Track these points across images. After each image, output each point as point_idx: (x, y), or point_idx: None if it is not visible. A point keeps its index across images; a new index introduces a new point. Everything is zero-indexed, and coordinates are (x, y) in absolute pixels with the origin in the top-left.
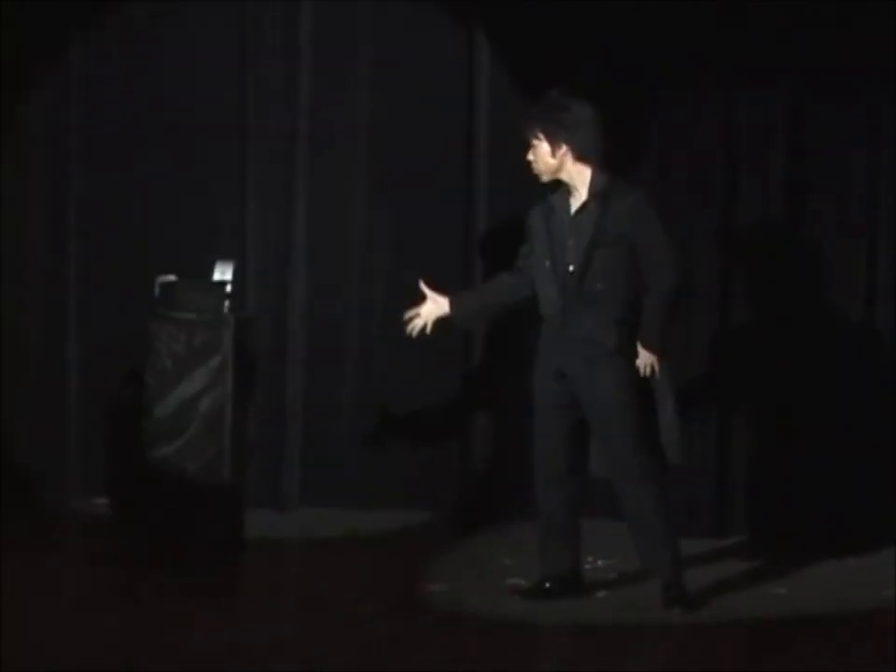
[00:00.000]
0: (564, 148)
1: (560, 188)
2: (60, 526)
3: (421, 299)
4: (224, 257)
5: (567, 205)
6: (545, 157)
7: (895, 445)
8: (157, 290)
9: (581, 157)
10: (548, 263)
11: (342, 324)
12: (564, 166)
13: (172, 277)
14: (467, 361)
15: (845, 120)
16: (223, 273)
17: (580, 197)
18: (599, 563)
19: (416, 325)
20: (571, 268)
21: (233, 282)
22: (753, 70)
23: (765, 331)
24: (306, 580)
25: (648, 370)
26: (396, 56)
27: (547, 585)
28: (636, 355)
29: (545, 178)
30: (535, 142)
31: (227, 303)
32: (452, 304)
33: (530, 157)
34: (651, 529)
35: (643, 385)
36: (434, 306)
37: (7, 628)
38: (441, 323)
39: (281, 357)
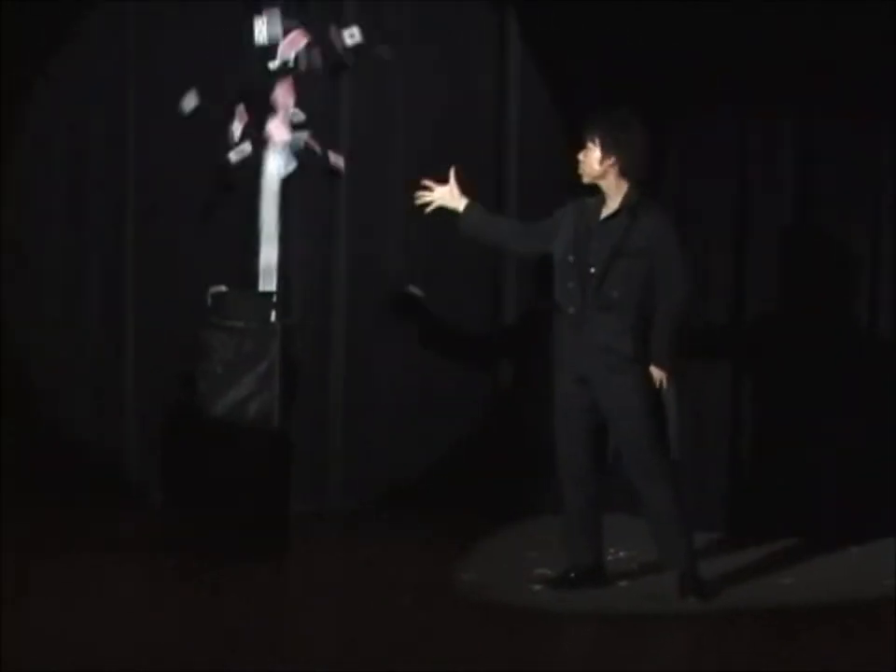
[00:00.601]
0: (612, 160)
1: (598, 194)
2: (120, 522)
3: (443, 181)
4: (269, 271)
5: (599, 211)
6: (593, 162)
7: (892, 445)
8: (209, 301)
9: (624, 172)
10: (571, 258)
11: (379, 332)
12: (607, 175)
13: (223, 288)
14: (496, 366)
15: (849, 137)
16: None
17: (611, 206)
18: (621, 554)
19: (425, 198)
20: (592, 270)
21: (279, 293)
22: (763, 90)
23: (775, 333)
24: (346, 571)
25: (658, 383)
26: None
27: (572, 575)
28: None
29: (586, 180)
30: (589, 145)
31: (274, 313)
32: (466, 207)
33: (581, 157)
34: (668, 524)
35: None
36: (450, 195)
37: (79, 616)
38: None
39: (323, 363)
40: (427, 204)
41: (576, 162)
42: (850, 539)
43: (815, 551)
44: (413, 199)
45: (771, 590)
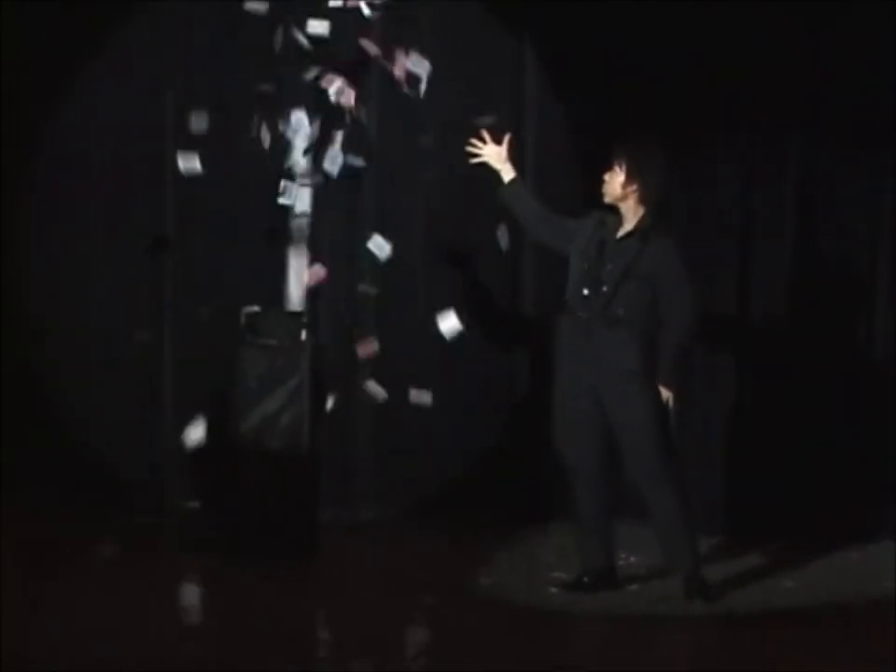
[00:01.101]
0: (634, 186)
1: (615, 212)
2: (158, 526)
3: (498, 141)
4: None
5: (616, 230)
6: (616, 185)
7: (891, 447)
8: (243, 320)
9: (643, 199)
10: (586, 266)
11: (406, 349)
12: (627, 199)
13: (256, 308)
14: (515, 384)
15: (849, 167)
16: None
17: (626, 227)
18: (631, 559)
19: (476, 150)
20: (605, 288)
21: (308, 313)
22: (768, 123)
23: (775, 346)
24: (373, 574)
25: (665, 401)
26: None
27: (585, 579)
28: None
29: (607, 200)
30: (616, 169)
31: (304, 332)
32: (512, 180)
33: (606, 178)
34: (673, 529)
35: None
36: (498, 157)
37: (119, 615)
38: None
39: (350, 377)
40: (475, 155)
41: (600, 182)
42: (849, 543)
43: (814, 554)
44: (431, 222)
45: (773, 593)
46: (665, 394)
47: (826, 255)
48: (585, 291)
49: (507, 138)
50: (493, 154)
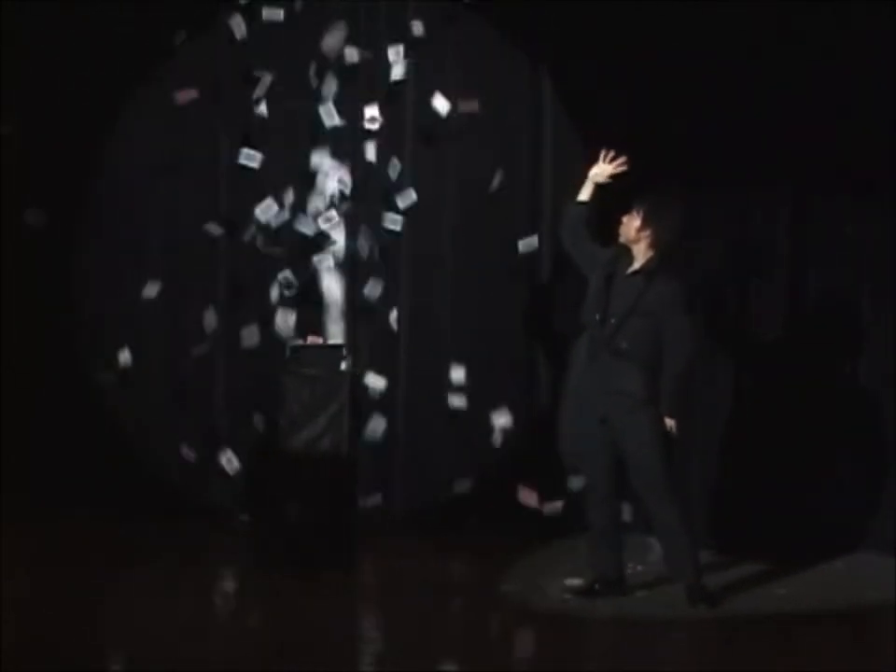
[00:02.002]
0: (647, 232)
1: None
2: (211, 539)
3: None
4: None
5: (627, 266)
6: (631, 228)
7: (880, 464)
8: (288, 352)
9: (653, 244)
10: (598, 295)
11: (438, 377)
12: (639, 242)
13: (300, 341)
14: (534, 407)
15: (837, 210)
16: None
17: (635, 266)
18: (638, 568)
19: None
20: (612, 321)
21: (348, 345)
22: (762, 169)
23: (767, 377)
24: (407, 582)
25: (669, 428)
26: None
27: (596, 586)
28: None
29: (622, 240)
30: (634, 213)
31: (343, 362)
32: (583, 202)
33: (624, 220)
34: (677, 542)
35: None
36: (600, 175)
37: (178, 623)
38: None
39: (387, 403)
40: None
41: (619, 222)
42: (835, 554)
43: (804, 565)
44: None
45: (767, 600)
46: (669, 422)
47: (815, 290)
48: (598, 316)
49: (618, 162)
50: (599, 174)
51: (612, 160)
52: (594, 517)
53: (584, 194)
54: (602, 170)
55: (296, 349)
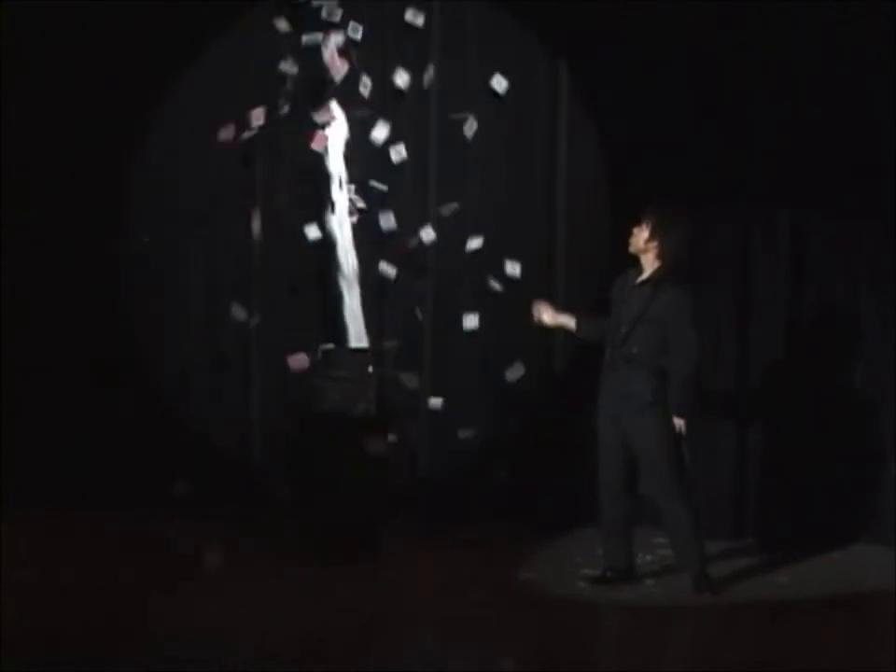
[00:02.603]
0: (655, 243)
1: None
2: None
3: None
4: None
5: (635, 278)
6: (640, 240)
7: (880, 460)
8: (319, 355)
9: (660, 255)
10: (612, 315)
11: (461, 382)
12: (647, 252)
13: (331, 346)
14: (545, 408)
15: (833, 230)
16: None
17: (643, 276)
18: (648, 558)
19: (539, 318)
20: (623, 330)
21: (373, 350)
22: (763, 191)
23: (769, 382)
24: (429, 571)
25: (678, 428)
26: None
27: (608, 574)
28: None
29: (631, 250)
30: (643, 226)
31: (370, 366)
32: (576, 323)
33: (635, 231)
34: (683, 535)
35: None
36: (555, 320)
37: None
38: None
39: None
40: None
41: (629, 233)
42: (833, 545)
43: (804, 555)
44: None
45: (770, 587)
46: (678, 422)
47: (814, 306)
48: (612, 335)
49: (542, 304)
50: (553, 321)
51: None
52: (607, 510)
53: (568, 323)
54: (546, 317)
55: (326, 352)
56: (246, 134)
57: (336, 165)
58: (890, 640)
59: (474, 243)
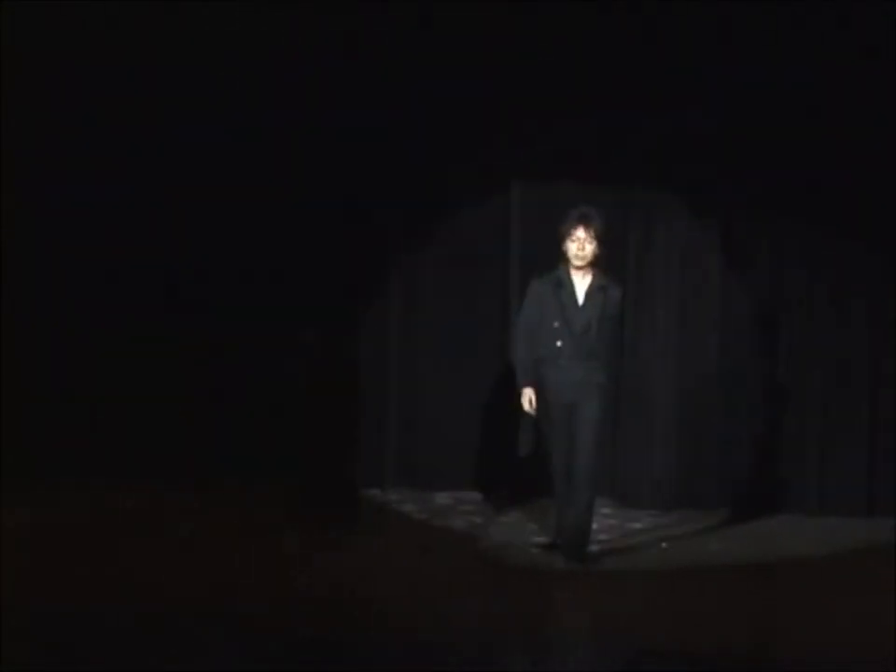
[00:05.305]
0: (598, 252)
1: (563, 266)
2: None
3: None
4: None
5: (573, 283)
6: (594, 251)
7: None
8: None
9: (599, 260)
10: (556, 324)
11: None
12: (593, 261)
13: None
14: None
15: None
16: None
17: (587, 282)
18: (595, 526)
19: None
20: (583, 331)
21: None
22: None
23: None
24: (394, 540)
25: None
26: None
27: (558, 541)
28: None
29: (581, 263)
30: (594, 242)
31: None
32: (531, 383)
33: (589, 247)
34: (583, 509)
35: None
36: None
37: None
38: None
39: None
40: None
41: (582, 248)
42: (763, 514)
43: (736, 523)
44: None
45: (702, 554)
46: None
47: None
48: (559, 343)
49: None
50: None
51: None
52: (558, 486)
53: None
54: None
55: None
56: None
57: None
58: (799, 601)
59: None
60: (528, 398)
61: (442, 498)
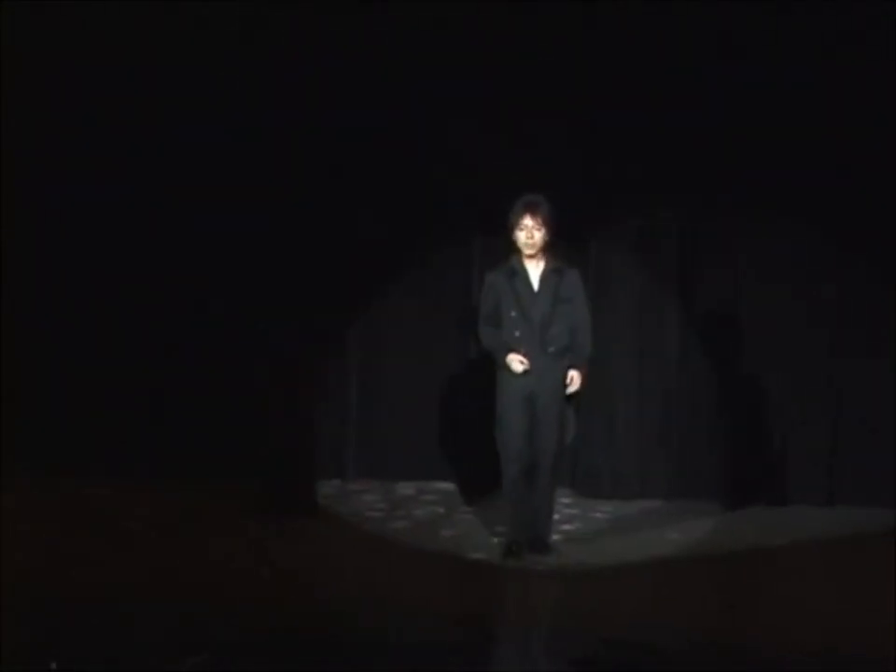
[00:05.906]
0: (547, 238)
1: (516, 256)
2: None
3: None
4: None
5: (526, 271)
6: (543, 238)
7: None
8: None
9: (548, 245)
10: (513, 314)
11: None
12: (544, 247)
13: None
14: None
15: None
16: None
17: (540, 267)
18: (556, 517)
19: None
20: (539, 318)
21: None
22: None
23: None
24: (357, 533)
25: (572, 380)
26: None
27: (513, 547)
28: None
29: (531, 251)
30: (542, 229)
31: None
32: (510, 350)
33: (536, 232)
34: (545, 501)
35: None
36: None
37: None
38: None
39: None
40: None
41: (531, 236)
42: (726, 506)
43: (697, 513)
44: None
45: (661, 544)
46: (576, 374)
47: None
48: (517, 333)
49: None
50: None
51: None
52: (509, 486)
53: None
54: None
55: None
56: None
57: None
58: (760, 591)
59: None
60: (517, 359)
61: (405, 488)
